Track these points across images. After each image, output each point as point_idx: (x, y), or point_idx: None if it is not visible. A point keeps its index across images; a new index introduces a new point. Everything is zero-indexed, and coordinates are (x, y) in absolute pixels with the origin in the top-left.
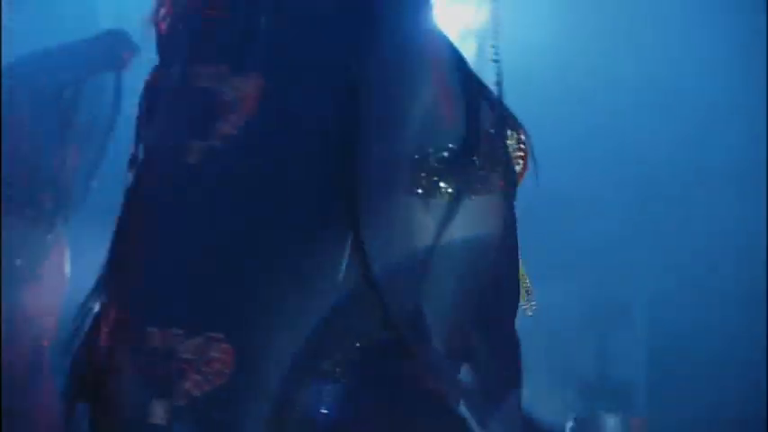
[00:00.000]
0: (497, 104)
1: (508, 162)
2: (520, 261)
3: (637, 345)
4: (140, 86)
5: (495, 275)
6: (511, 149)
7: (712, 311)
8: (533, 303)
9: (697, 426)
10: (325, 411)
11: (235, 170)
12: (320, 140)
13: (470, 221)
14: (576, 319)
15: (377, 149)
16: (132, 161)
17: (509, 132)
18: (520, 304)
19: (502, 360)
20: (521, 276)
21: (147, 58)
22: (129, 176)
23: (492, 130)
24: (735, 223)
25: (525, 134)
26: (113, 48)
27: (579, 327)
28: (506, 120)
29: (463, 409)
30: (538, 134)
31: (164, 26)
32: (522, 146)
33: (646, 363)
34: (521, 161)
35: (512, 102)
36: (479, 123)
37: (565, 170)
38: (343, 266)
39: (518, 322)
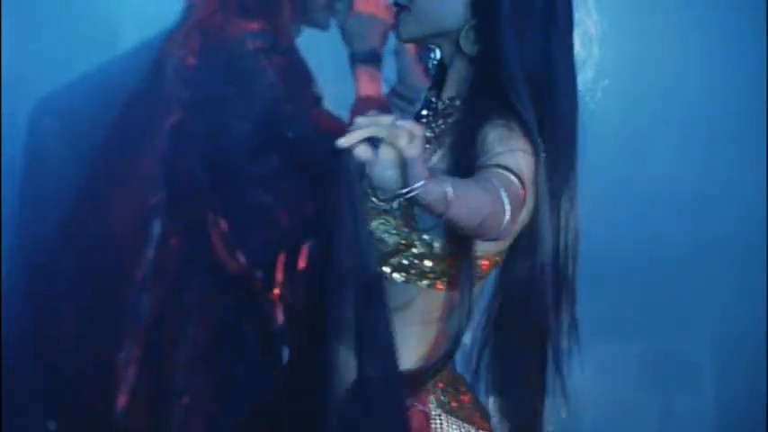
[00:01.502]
0: None
1: None
2: None
3: (703, 407)
4: None
5: None
6: None
7: None
8: None
9: None
10: None
11: None
12: None
13: None
14: (638, 379)
15: None
16: (158, 205)
17: None
18: None
19: None
20: None
21: None
22: (156, 225)
23: None
24: None
25: None
26: None
27: (641, 387)
28: None
29: None
30: None
31: (191, 61)
32: None
33: (713, 428)
34: None
35: None
36: None
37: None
38: None
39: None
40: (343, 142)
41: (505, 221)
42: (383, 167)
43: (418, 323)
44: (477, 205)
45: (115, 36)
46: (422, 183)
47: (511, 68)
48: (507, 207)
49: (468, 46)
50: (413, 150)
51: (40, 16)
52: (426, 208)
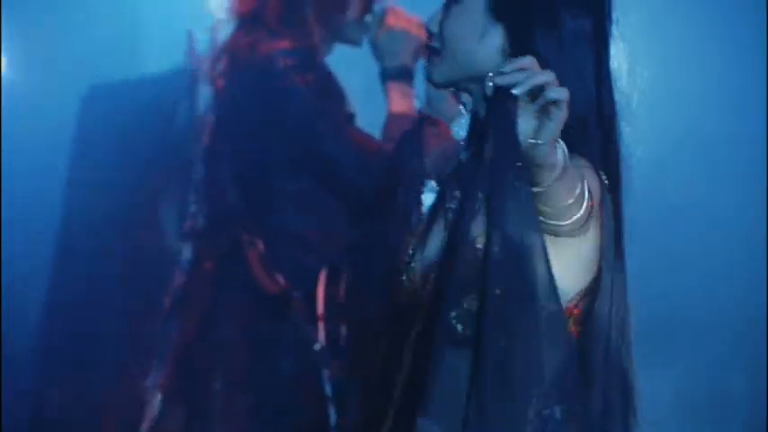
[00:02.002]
0: None
1: None
2: None
3: None
4: None
5: None
6: None
7: None
8: None
9: None
10: None
11: None
12: None
13: None
14: (672, 407)
15: None
16: (189, 231)
17: None
18: None
19: None
20: None
21: None
22: (186, 249)
23: None
24: None
25: None
26: None
27: (675, 416)
28: None
29: None
30: None
31: (221, 83)
32: None
33: None
34: None
35: None
36: None
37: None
38: None
39: None
40: (517, 88)
41: (577, 216)
42: (525, 116)
43: None
44: (573, 184)
45: (116, 36)
46: (552, 141)
47: None
48: (585, 203)
49: None
50: (562, 112)
51: (41, 16)
52: (539, 168)
